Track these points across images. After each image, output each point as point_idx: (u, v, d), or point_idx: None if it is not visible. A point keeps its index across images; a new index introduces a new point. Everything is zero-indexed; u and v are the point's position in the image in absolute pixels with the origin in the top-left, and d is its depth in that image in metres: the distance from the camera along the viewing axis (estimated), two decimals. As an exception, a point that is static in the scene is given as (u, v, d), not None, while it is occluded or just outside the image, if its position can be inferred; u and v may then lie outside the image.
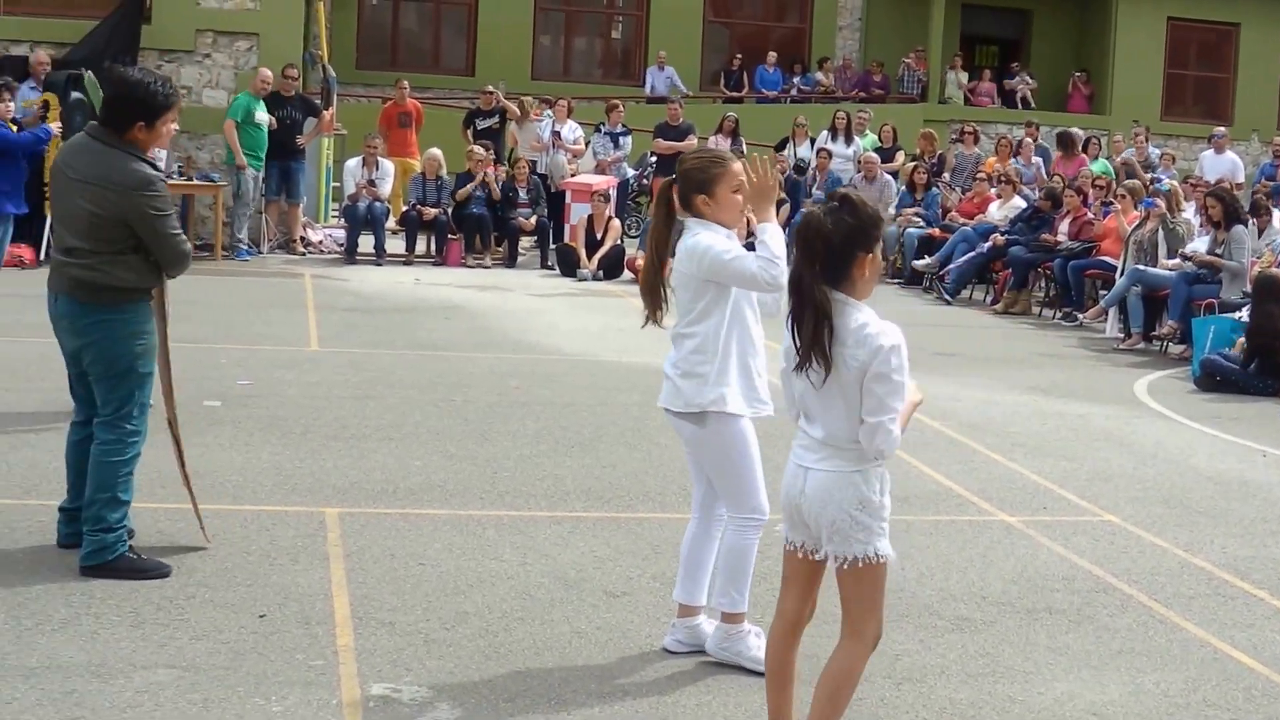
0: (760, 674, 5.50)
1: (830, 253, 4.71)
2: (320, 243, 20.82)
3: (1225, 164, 23.28)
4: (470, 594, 6.76)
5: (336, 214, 21.90)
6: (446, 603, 6.62)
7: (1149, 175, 21.30)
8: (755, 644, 5.98)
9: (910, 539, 8.04)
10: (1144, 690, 6.13)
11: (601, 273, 19.65)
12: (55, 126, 13.81)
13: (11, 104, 13.69)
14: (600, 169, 22.61)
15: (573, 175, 21.78)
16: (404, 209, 20.70)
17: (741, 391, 5.84)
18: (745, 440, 5.87)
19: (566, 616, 6.56)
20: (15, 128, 13.36)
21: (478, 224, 20.41)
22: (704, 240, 5.74)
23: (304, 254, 20.26)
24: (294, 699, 5.45)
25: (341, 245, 20.30)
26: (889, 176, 22.55)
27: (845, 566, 4.82)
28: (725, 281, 5.73)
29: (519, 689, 5.69)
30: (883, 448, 4.70)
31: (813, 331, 4.69)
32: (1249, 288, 14.42)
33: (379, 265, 19.57)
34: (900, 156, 23.78)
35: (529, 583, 6.99)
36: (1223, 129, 25.18)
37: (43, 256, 17.01)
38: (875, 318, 4.75)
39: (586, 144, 22.96)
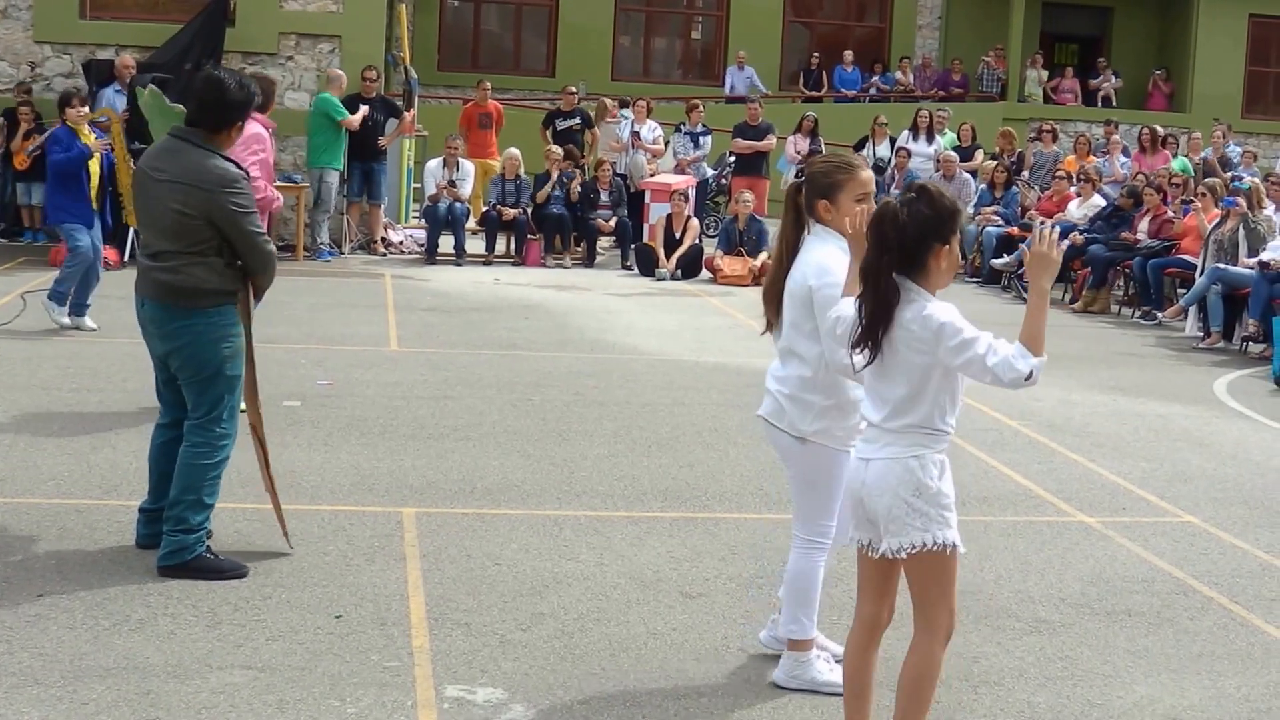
0: (837, 694, 5.46)
1: (905, 243, 4.72)
2: (401, 243, 20.94)
3: (1309, 161, 23.00)
4: (546, 595, 6.79)
5: (417, 215, 22.02)
6: (522, 604, 6.65)
7: (1229, 173, 21.05)
8: (824, 669, 5.89)
9: (988, 540, 8.01)
10: (1225, 694, 6.07)
11: (680, 272, 19.65)
12: (94, 142, 13.84)
13: (85, 109, 13.81)
14: (680, 169, 22.60)
15: (652, 175, 21.79)
16: (484, 209, 20.78)
17: (844, 425, 5.70)
18: (839, 472, 5.65)
19: (642, 617, 6.58)
20: (92, 136, 13.52)
21: (557, 224, 20.47)
22: (824, 264, 5.58)
23: (385, 254, 20.38)
24: (369, 700, 5.49)
25: (422, 246, 20.41)
26: (968, 175, 22.41)
27: (907, 556, 4.81)
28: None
29: (594, 691, 5.71)
30: (1016, 370, 4.63)
31: (871, 320, 4.73)
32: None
33: (459, 265, 19.66)
34: (979, 155, 23.64)
35: (605, 583, 7.01)
36: (1306, 127, 24.89)
37: (126, 258, 17.21)
38: (937, 303, 4.75)
39: (666, 144, 22.96)
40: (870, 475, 4.85)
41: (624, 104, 22.98)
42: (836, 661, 5.86)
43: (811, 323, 5.63)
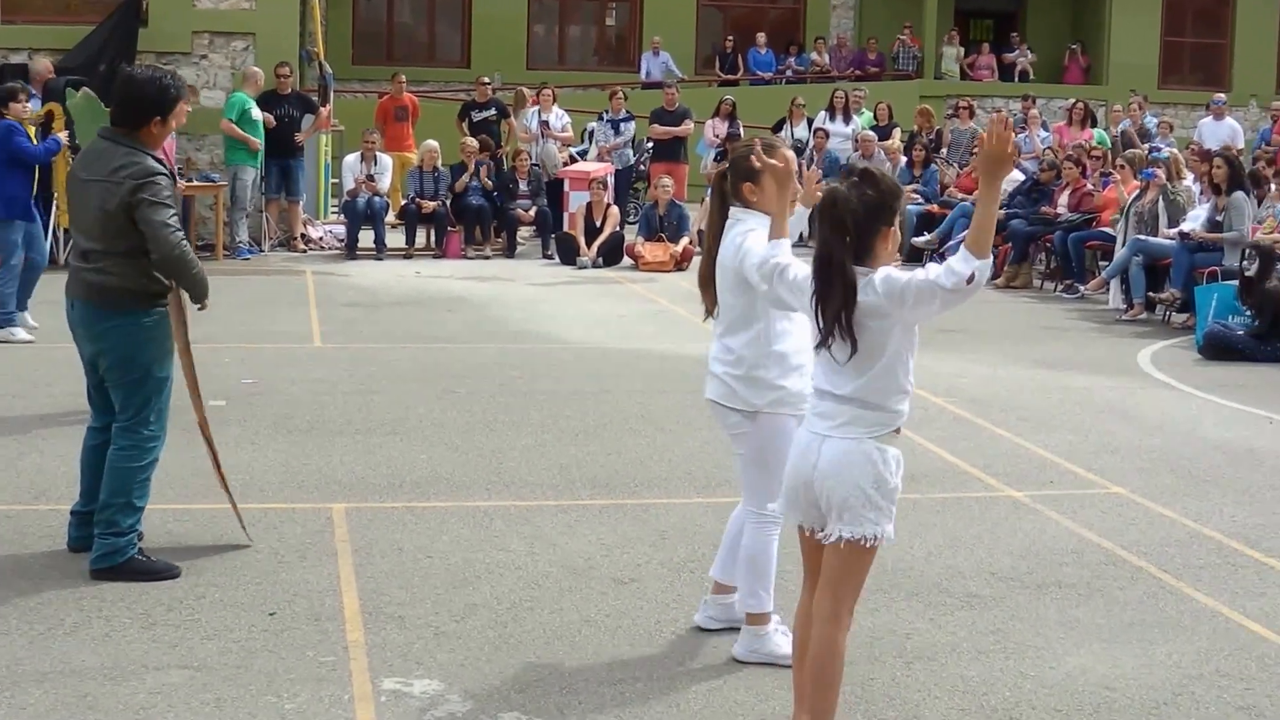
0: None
1: (857, 230, 4.70)
2: (321, 239, 20.80)
3: (1225, 130, 23.22)
4: (479, 585, 6.77)
5: (336, 210, 21.88)
6: (455, 595, 6.63)
7: (1146, 145, 21.24)
8: (783, 641, 5.90)
9: (918, 516, 8.04)
10: (1156, 662, 6.12)
11: (601, 260, 19.62)
12: (64, 136, 13.79)
13: (30, 105, 13.64)
14: (602, 156, 22.59)
15: (566, 164, 21.78)
16: (403, 203, 20.68)
17: (793, 390, 5.76)
18: (787, 439, 5.58)
19: (576, 605, 6.56)
20: (33, 134, 13.33)
21: (477, 215, 20.41)
22: (749, 243, 5.66)
23: (305, 251, 20.24)
24: (306, 696, 5.45)
25: (342, 241, 20.27)
26: (880, 152, 22.49)
27: (846, 544, 4.80)
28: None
29: (530, 679, 5.70)
30: (956, 274, 4.56)
31: (838, 310, 4.69)
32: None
33: (379, 260, 19.55)
34: (897, 133, 23.75)
35: (537, 572, 6.99)
36: (1221, 95, 25.11)
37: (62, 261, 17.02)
38: (880, 270, 4.73)
39: (587, 134, 22.95)
40: (825, 460, 4.81)
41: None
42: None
43: (747, 298, 5.70)
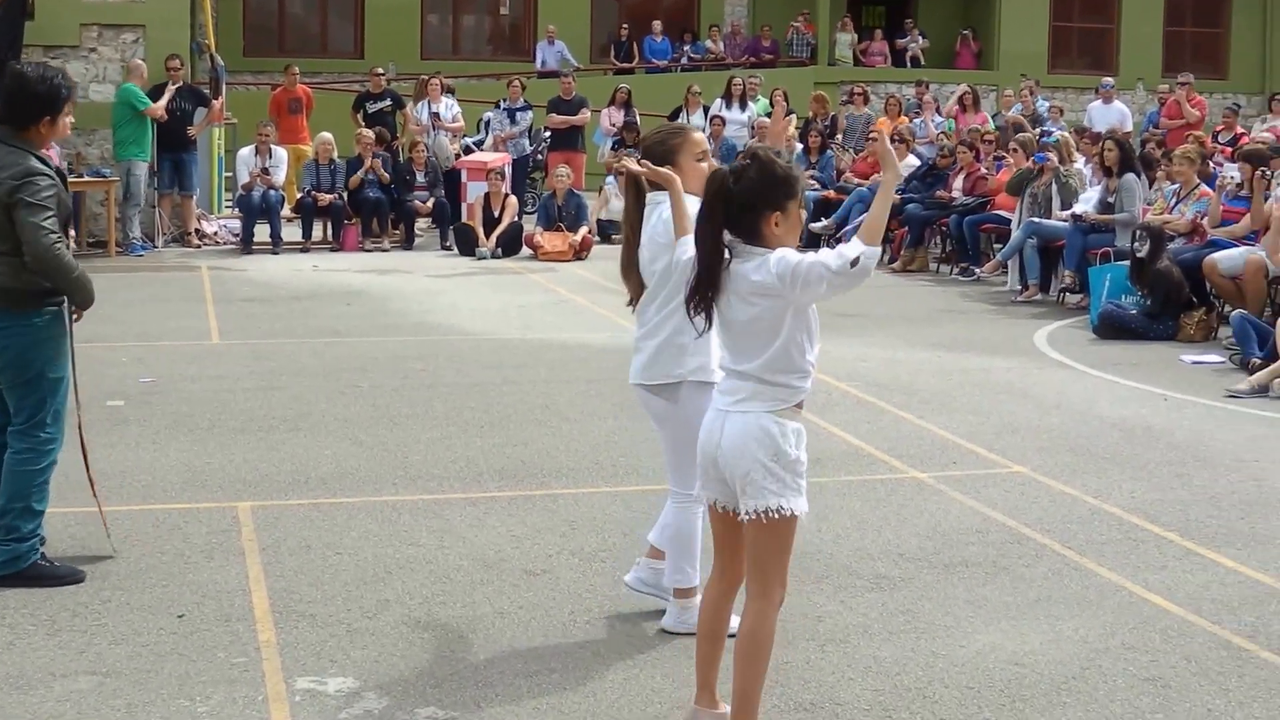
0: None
1: (736, 210, 4.75)
2: (215, 234, 20.58)
3: (1114, 114, 23.53)
4: (390, 581, 6.74)
5: (230, 204, 21.67)
6: (366, 591, 6.59)
7: (1038, 129, 21.47)
8: None
9: (824, 500, 8.09)
10: (1063, 637, 6.21)
11: (500, 250, 19.55)
12: None
13: None
14: (498, 145, 22.52)
15: (458, 156, 21.72)
16: (298, 196, 20.49)
17: (717, 360, 5.84)
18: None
19: (488, 598, 6.55)
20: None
21: (374, 207, 20.27)
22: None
23: (199, 246, 20.02)
24: (219, 698, 5.40)
25: (237, 235, 20.07)
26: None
27: (755, 518, 4.84)
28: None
29: (446, 673, 5.68)
30: (844, 258, 4.64)
31: (699, 281, 4.78)
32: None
33: (276, 254, 19.36)
34: (793, 120, 23.79)
35: (448, 566, 6.97)
36: (1110, 79, 25.46)
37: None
38: (776, 251, 4.78)
39: (483, 124, 22.89)
40: (727, 437, 4.87)
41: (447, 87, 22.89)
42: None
43: (676, 275, 5.74)
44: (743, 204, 4.75)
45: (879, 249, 4.67)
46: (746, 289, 4.77)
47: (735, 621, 5.79)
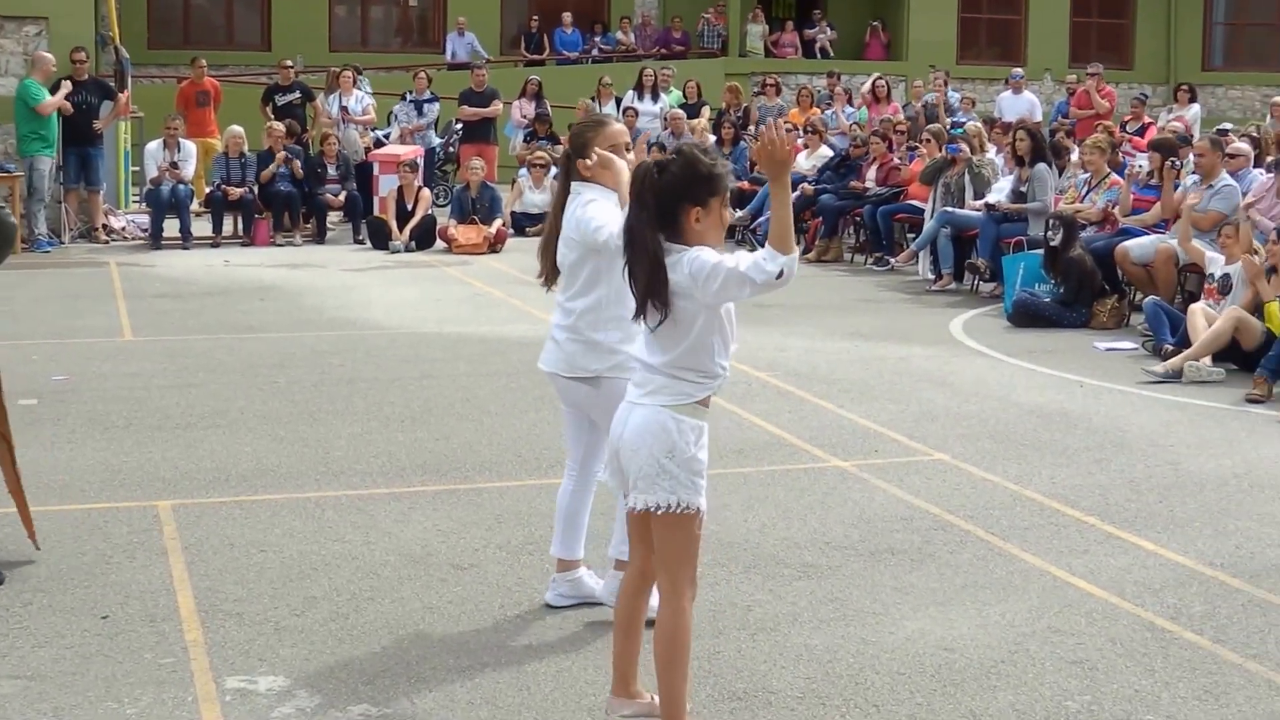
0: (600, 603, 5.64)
1: (659, 204, 4.75)
2: (124, 229, 20.32)
3: (1023, 104, 23.71)
4: (316, 578, 6.68)
5: (138, 199, 21.38)
6: (293, 588, 6.54)
7: (950, 119, 21.63)
8: (592, 582, 6.32)
9: (749, 490, 8.12)
10: (991, 622, 6.25)
11: (414, 244, 19.45)
12: None
13: None
14: (405, 138, 22.41)
15: (368, 149, 21.60)
16: (208, 190, 20.29)
17: (634, 355, 5.86)
18: None
19: (416, 593, 6.52)
20: None
21: (285, 201, 20.09)
22: (589, 212, 5.87)
23: (108, 242, 19.76)
24: (148, 699, 5.33)
25: (146, 231, 19.82)
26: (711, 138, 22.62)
27: (656, 514, 4.85)
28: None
29: (377, 669, 5.64)
30: (765, 271, 4.63)
31: (647, 280, 4.74)
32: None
33: (186, 249, 19.14)
34: (706, 111, 23.89)
35: (375, 562, 6.92)
36: (1019, 70, 25.69)
37: None
38: (693, 249, 4.77)
39: (392, 117, 22.76)
40: (629, 429, 4.90)
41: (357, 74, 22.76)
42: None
43: (588, 270, 5.94)
44: (665, 197, 4.75)
45: (796, 253, 4.68)
46: (664, 282, 4.77)
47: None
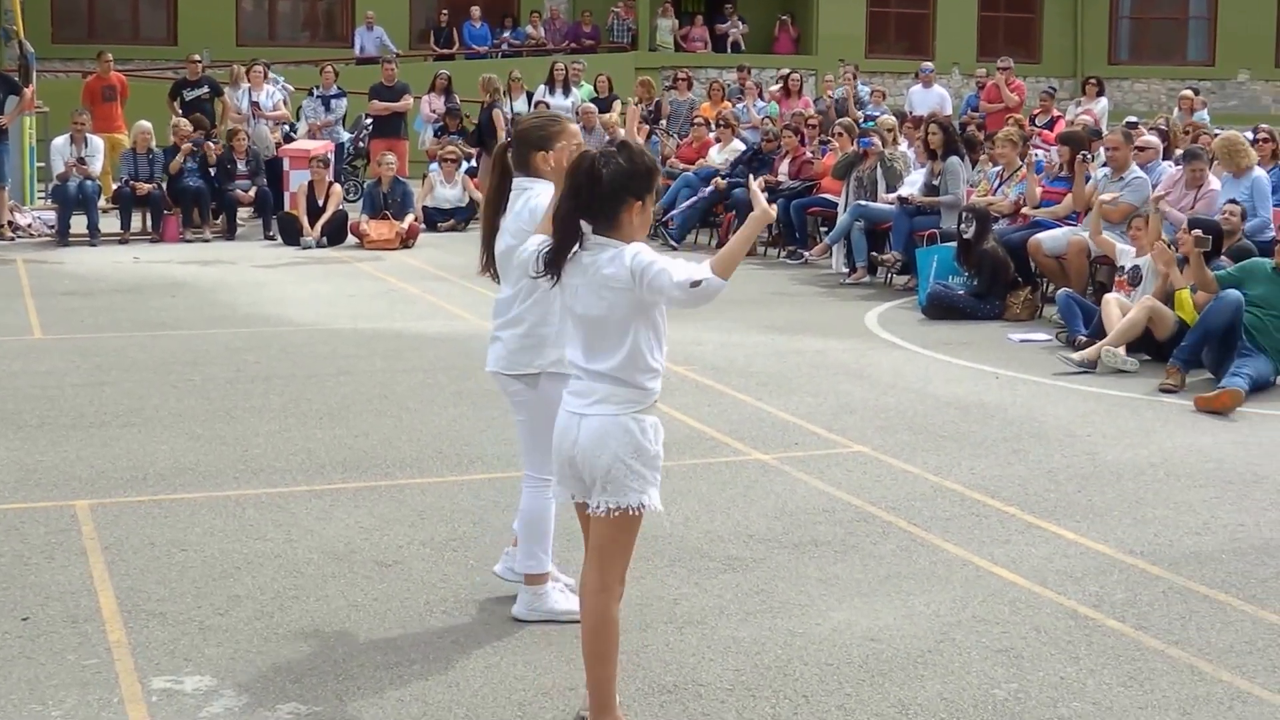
0: (575, 621, 5.57)
1: (600, 196, 4.75)
2: (29, 226, 20.04)
3: (934, 98, 23.89)
4: (239, 576, 6.62)
5: (44, 195, 21.12)
6: (216, 587, 6.47)
7: (861, 113, 21.75)
8: (560, 599, 6.14)
9: (671, 484, 8.05)
10: (916, 612, 6.29)
11: (325, 239, 19.31)
12: None
13: None
14: (313, 133, 22.25)
15: (278, 144, 21.43)
16: (116, 186, 20.05)
17: None
18: None
19: (341, 590, 6.47)
20: None
21: (195, 197, 19.90)
22: (540, 204, 5.83)
23: (13, 239, 19.47)
24: (72, 701, 5.26)
25: (53, 227, 19.54)
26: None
27: (612, 515, 4.85)
28: None
29: (305, 668, 5.60)
30: (689, 277, 4.69)
31: (554, 253, 4.80)
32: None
33: (94, 245, 18.90)
34: (617, 106, 23.87)
35: (298, 560, 6.87)
36: (929, 64, 25.86)
37: None
38: (630, 245, 4.81)
39: (299, 112, 22.60)
40: (585, 435, 4.87)
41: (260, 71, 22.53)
42: (572, 592, 6.06)
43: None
44: (608, 190, 4.75)
45: (725, 283, 4.72)
46: (599, 282, 4.78)
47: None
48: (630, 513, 4.86)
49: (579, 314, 4.89)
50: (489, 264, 6.10)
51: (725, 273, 4.70)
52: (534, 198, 5.89)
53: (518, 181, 6.00)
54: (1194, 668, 5.75)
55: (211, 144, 19.99)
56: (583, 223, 4.79)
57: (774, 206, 4.96)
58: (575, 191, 4.78)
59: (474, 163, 22.05)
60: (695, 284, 4.66)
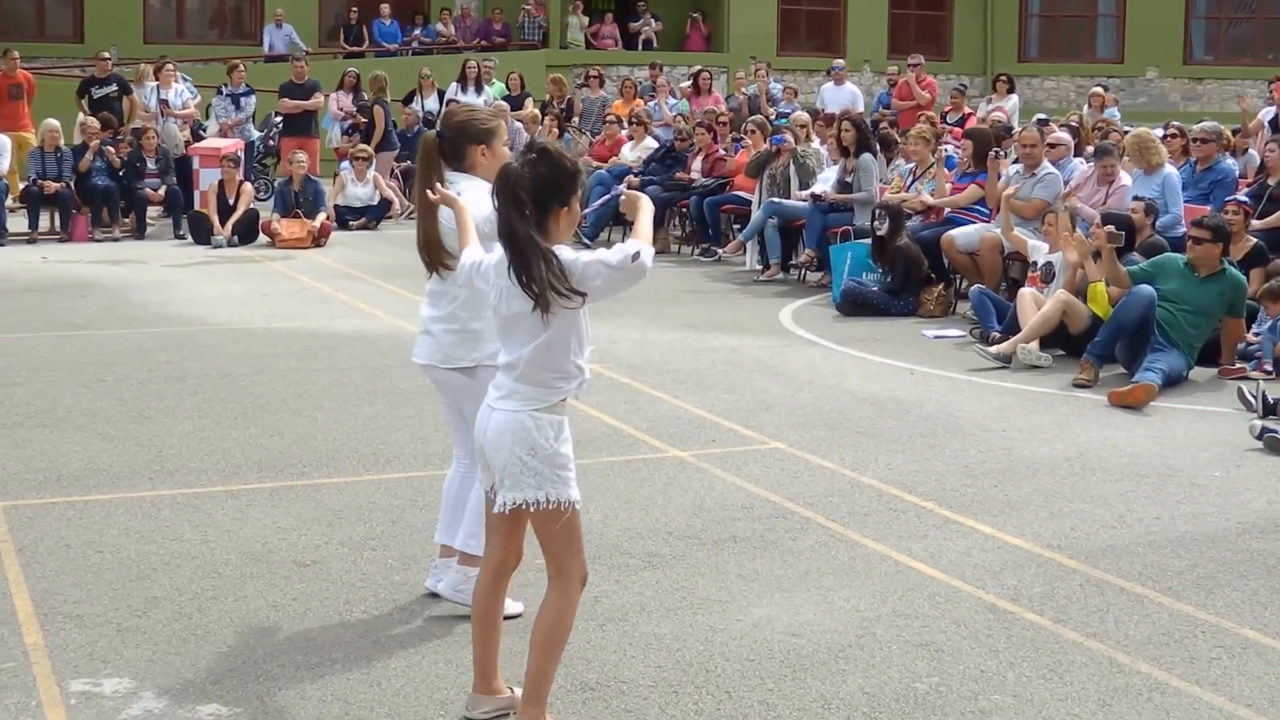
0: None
1: (530, 204, 4.72)
2: (-66, 226, 19.75)
3: (845, 95, 24.02)
4: (156, 577, 6.55)
5: (-52, 195, 20.82)
6: (133, 589, 6.40)
7: (773, 110, 21.83)
8: None
9: (589, 481, 8.02)
10: (836, 607, 6.33)
11: (236, 238, 19.16)
12: None
13: None
14: (223, 132, 22.07)
15: (187, 142, 21.24)
16: (23, 185, 19.79)
17: None
18: None
19: (260, 591, 6.42)
20: None
21: (104, 196, 19.68)
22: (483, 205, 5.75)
23: (-82, 239, 19.21)
24: (-11, 704, 5.21)
25: (-42, 227, 19.30)
26: (518, 124, 22.56)
27: (531, 510, 4.86)
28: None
29: (225, 669, 5.55)
30: (625, 252, 4.72)
31: (543, 274, 4.69)
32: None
33: (1, 245, 18.62)
34: (529, 103, 23.84)
35: (215, 560, 6.81)
36: (840, 61, 26.00)
37: None
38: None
39: (209, 110, 22.41)
40: (491, 430, 4.90)
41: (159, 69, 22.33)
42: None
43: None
44: (534, 198, 4.73)
45: (653, 250, 4.81)
46: (520, 286, 4.76)
47: (510, 605, 5.85)
48: (528, 508, 4.86)
49: (500, 311, 4.88)
50: (437, 267, 5.99)
51: (650, 244, 4.81)
52: (461, 195, 5.81)
53: (449, 176, 5.92)
54: (1112, 659, 5.81)
55: (109, 147, 19.72)
56: None
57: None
58: (506, 205, 4.73)
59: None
60: (635, 256, 4.68)
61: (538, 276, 4.69)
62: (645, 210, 5.04)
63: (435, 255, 5.93)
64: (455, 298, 5.95)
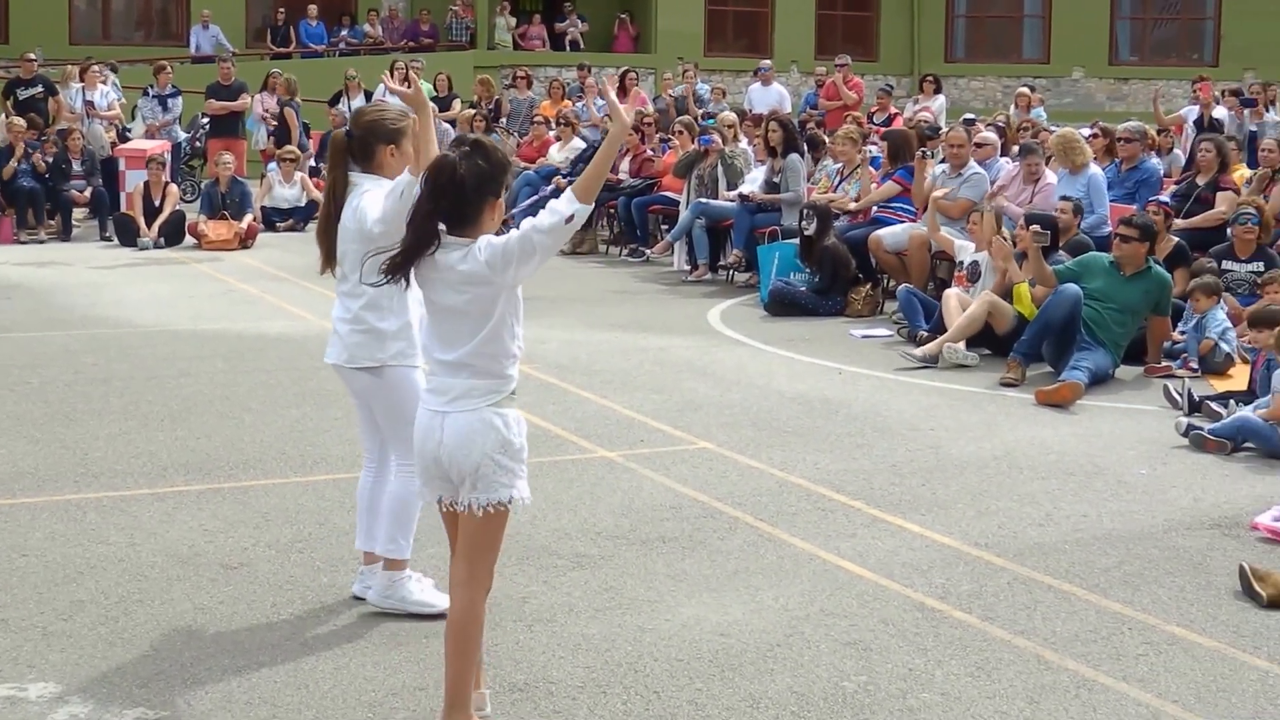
0: (428, 616, 5.75)
1: (462, 198, 4.72)
2: None
3: (773, 96, 24.10)
4: (82, 581, 6.50)
5: None
6: (58, 593, 6.35)
7: (701, 110, 21.88)
8: (416, 588, 6.16)
9: (519, 483, 8.09)
10: (765, 606, 6.35)
11: (163, 240, 19.01)
12: None
13: None
14: (150, 133, 21.90)
15: (113, 144, 21.08)
16: (-55, 187, 19.59)
17: (416, 342, 5.89)
18: (415, 391, 5.77)
19: (186, 594, 6.39)
20: None
21: (29, 198, 19.50)
22: (365, 202, 5.84)
23: None
24: (-89, 711, 5.16)
25: (-120, 229, 19.09)
26: (447, 125, 22.50)
27: (484, 511, 4.84)
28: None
29: (151, 672, 5.52)
30: (558, 214, 4.72)
31: (406, 253, 4.76)
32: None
33: (-77, 248, 18.49)
34: (457, 104, 23.79)
35: (141, 563, 6.77)
36: (768, 62, 26.09)
37: None
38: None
39: (135, 111, 22.24)
40: (449, 435, 4.84)
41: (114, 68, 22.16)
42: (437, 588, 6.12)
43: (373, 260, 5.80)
44: (472, 193, 4.74)
45: (590, 206, 4.77)
46: (455, 279, 4.76)
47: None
48: (501, 507, 4.86)
49: (439, 306, 4.85)
50: (329, 260, 6.06)
51: (589, 198, 4.76)
52: (359, 195, 5.89)
53: (354, 176, 5.96)
54: (1040, 657, 5.86)
55: (34, 148, 19.53)
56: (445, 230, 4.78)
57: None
58: (437, 195, 4.74)
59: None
60: (569, 219, 4.69)
61: (409, 262, 4.75)
62: (609, 140, 4.94)
63: (324, 248, 6.03)
64: (361, 297, 5.96)
